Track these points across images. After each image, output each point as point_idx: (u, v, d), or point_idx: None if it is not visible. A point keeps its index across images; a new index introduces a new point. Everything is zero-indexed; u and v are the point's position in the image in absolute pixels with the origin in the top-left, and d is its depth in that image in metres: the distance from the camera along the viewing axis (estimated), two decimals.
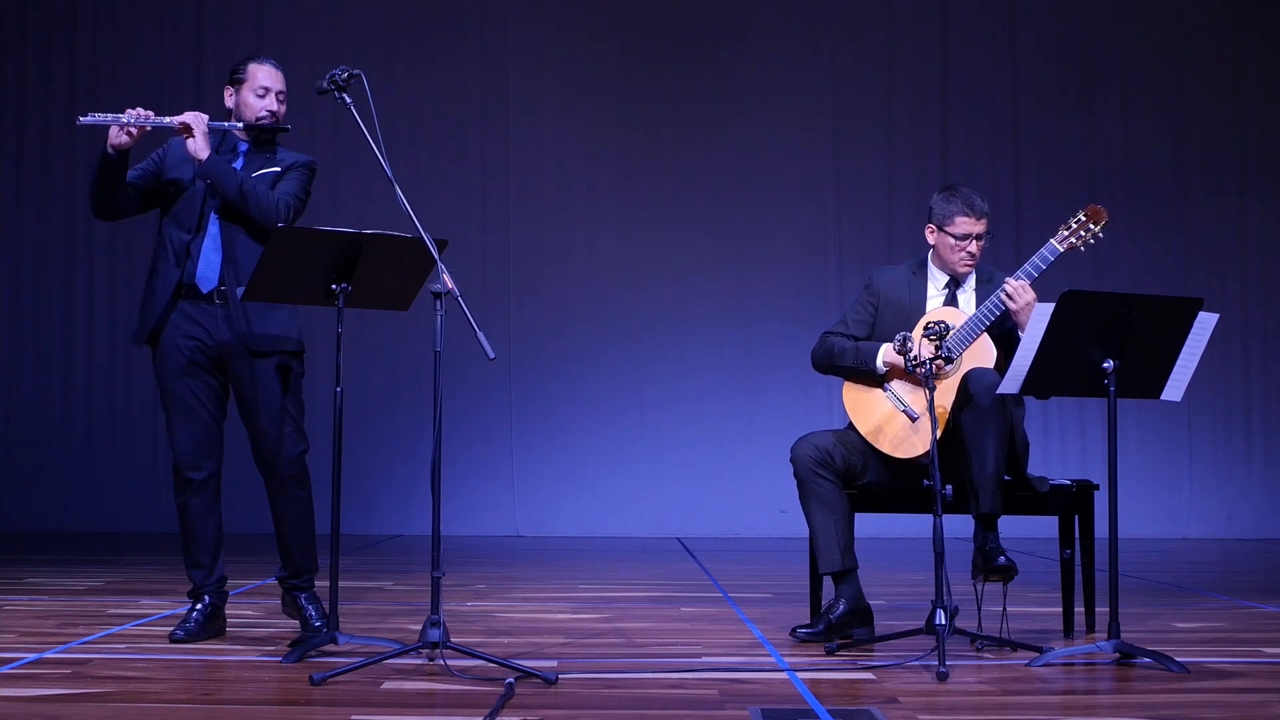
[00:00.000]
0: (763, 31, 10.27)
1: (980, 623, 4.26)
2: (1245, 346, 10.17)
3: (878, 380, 4.41)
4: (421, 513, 9.45)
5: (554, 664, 3.80)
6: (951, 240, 4.42)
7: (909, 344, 4.01)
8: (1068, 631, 4.49)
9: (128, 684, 3.52)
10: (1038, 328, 3.85)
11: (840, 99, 10.28)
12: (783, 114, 10.21)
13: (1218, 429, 10.14)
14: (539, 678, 3.52)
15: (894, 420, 4.35)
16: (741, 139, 10.19)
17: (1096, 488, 4.49)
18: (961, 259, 4.43)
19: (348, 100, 3.96)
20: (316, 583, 4.36)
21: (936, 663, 3.62)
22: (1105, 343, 3.85)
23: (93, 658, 3.90)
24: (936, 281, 4.51)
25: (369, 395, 9.65)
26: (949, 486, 4.18)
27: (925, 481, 3.90)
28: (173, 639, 4.18)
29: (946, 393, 4.26)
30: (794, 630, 4.36)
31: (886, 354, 4.37)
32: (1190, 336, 3.92)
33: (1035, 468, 4.50)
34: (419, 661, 3.77)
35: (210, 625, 4.28)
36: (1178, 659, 3.77)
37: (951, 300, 4.48)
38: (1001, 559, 4.11)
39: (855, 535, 4.38)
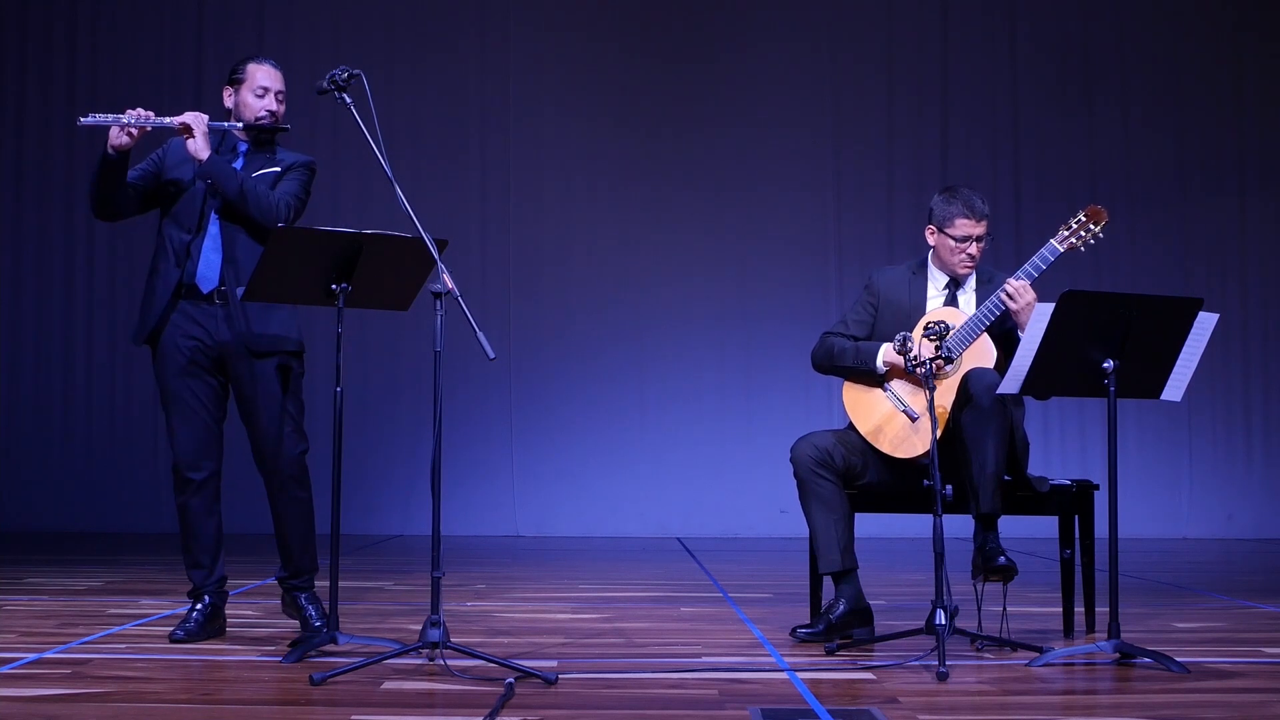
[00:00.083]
0: (763, 31, 10.27)
1: (980, 623, 4.26)
2: (1245, 346, 10.17)
3: (878, 380, 4.41)
4: (421, 513, 9.45)
5: (554, 664, 3.80)
6: (952, 242, 4.42)
7: (909, 344, 4.01)
8: (1068, 631, 4.49)
9: (128, 684, 3.52)
10: (1038, 328, 3.85)
11: (840, 99, 10.29)
12: (783, 114, 10.21)
13: (1218, 429, 10.14)
14: (539, 678, 3.52)
15: (894, 420, 4.35)
16: (741, 139, 10.19)
17: (1096, 488, 4.49)
18: (961, 261, 4.43)
19: (348, 100, 3.96)
20: (316, 583, 4.36)
21: (936, 663, 3.62)
22: (1105, 343, 3.84)
23: (93, 658, 3.90)
24: (937, 282, 4.51)
25: (369, 395, 9.65)
26: (949, 486, 4.18)
27: (925, 481, 3.90)
28: (173, 639, 4.18)
29: (946, 393, 4.26)
30: (794, 630, 4.36)
31: (886, 354, 4.37)
32: (1190, 336, 3.92)
33: (1035, 468, 4.50)
34: (419, 661, 3.77)
35: (210, 625, 4.28)
36: (1178, 659, 3.77)
37: (951, 300, 4.48)
38: (1001, 559, 4.11)
39: (855, 535, 4.38)
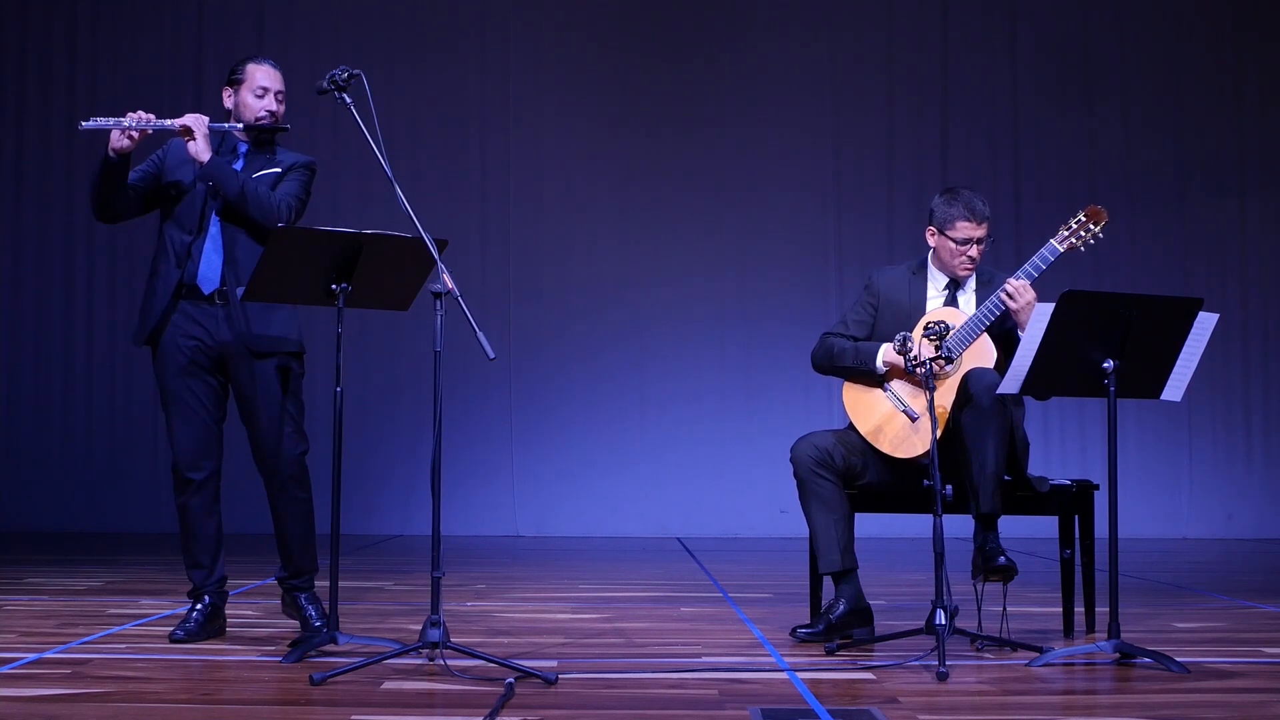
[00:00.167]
0: (763, 31, 10.27)
1: (980, 623, 4.26)
2: (1245, 346, 10.17)
3: (878, 380, 4.41)
4: (421, 513, 9.45)
5: (554, 664, 3.80)
6: (952, 245, 4.41)
7: (909, 344, 4.01)
8: (1068, 631, 4.49)
9: (128, 684, 3.52)
10: (1038, 328, 3.85)
11: (840, 99, 10.29)
12: (783, 114, 10.21)
13: (1218, 429, 10.14)
14: (539, 678, 3.52)
15: (894, 420, 4.35)
16: (741, 139, 10.19)
17: (1096, 488, 4.49)
18: (962, 263, 4.43)
19: (348, 100, 3.96)
20: (316, 583, 4.36)
21: (936, 663, 3.62)
22: (1105, 343, 3.84)
23: (93, 658, 3.90)
24: (937, 282, 4.50)
25: (369, 395, 9.65)
26: (949, 486, 4.18)
27: (925, 481, 3.90)
28: (173, 639, 4.18)
29: (946, 393, 4.26)
30: (794, 630, 4.36)
31: (886, 354, 4.37)
32: (1190, 336, 3.92)
33: (1035, 468, 4.50)
34: (419, 661, 3.77)
35: (210, 625, 4.28)
36: (1178, 659, 3.77)
37: (951, 301, 4.48)
38: (1001, 559, 4.11)
39: (855, 535, 4.38)
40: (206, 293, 4.20)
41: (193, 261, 4.21)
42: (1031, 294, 4.25)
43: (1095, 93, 10.30)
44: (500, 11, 10.26)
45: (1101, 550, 4.22)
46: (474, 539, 9.28)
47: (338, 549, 3.86)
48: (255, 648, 4.13)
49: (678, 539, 9.46)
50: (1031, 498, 4.40)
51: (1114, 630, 3.81)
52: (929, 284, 4.51)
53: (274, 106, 4.28)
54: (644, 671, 3.77)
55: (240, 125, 4.26)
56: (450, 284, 3.73)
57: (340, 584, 3.90)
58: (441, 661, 3.65)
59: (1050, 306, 3.82)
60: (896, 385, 4.39)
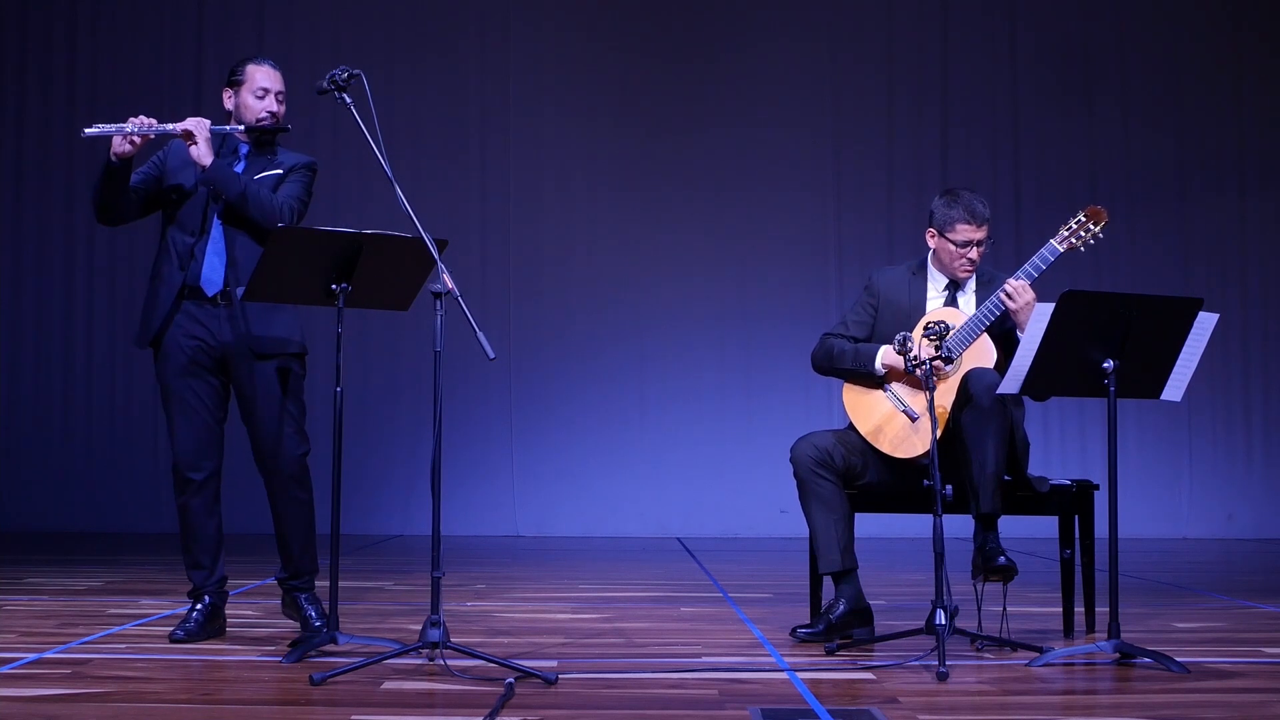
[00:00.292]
0: (763, 31, 10.27)
1: (980, 623, 4.26)
2: (1245, 346, 10.18)
3: (878, 381, 4.41)
4: (421, 513, 9.45)
5: (554, 664, 3.80)
6: (952, 247, 4.41)
7: (909, 344, 4.01)
8: (1068, 631, 4.49)
9: (128, 684, 3.52)
10: (1038, 328, 3.85)
11: (840, 99, 10.29)
12: (783, 114, 10.21)
13: (1218, 429, 10.14)
14: (539, 678, 3.52)
15: (894, 420, 4.35)
16: (741, 139, 10.19)
17: (1096, 488, 4.49)
18: (962, 265, 4.43)
19: (348, 100, 3.96)
20: (316, 583, 4.36)
21: (936, 663, 3.62)
22: (1105, 343, 3.84)
23: (93, 658, 3.90)
24: (936, 283, 4.50)
25: (369, 395, 9.66)
26: (949, 486, 4.18)
27: (925, 481, 3.90)
28: (173, 639, 4.18)
29: (946, 393, 4.26)
30: (794, 630, 4.36)
31: (886, 355, 4.37)
32: (1190, 336, 3.92)
33: (1035, 468, 4.50)
34: (419, 661, 3.77)
35: (210, 625, 4.28)
36: (1178, 659, 3.77)
37: (951, 301, 4.48)
38: (1001, 559, 4.11)
39: (855, 535, 4.38)
40: (209, 294, 4.20)
41: (195, 263, 4.21)
42: (1031, 294, 4.25)
43: (1095, 93, 10.30)
44: (500, 11, 10.26)
45: (1101, 550, 4.22)
46: (474, 539, 9.28)
47: (338, 549, 3.86)
48: (255, 648, 4.13)
49: (678, 539, 9.46)
50: (1031, 498, 4.40)
51: (1114, 630, 3.82)
52: (929, 284, 4.51)
53: (275, 107, 4.28)
54: (644, 671, 3.77)
55: (241, 127, 4.26)
56: (450, 284, 3.73)
57: (340, 584, 3.90)
58: (441, 661, 3.65)
59: (1050, 306, 3.82)
60: (896, 385, 4.39)
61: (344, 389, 3.96)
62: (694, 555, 8.07)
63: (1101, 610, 4.26)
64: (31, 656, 3.90)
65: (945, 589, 3.73)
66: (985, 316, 4.31)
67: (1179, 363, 3.94)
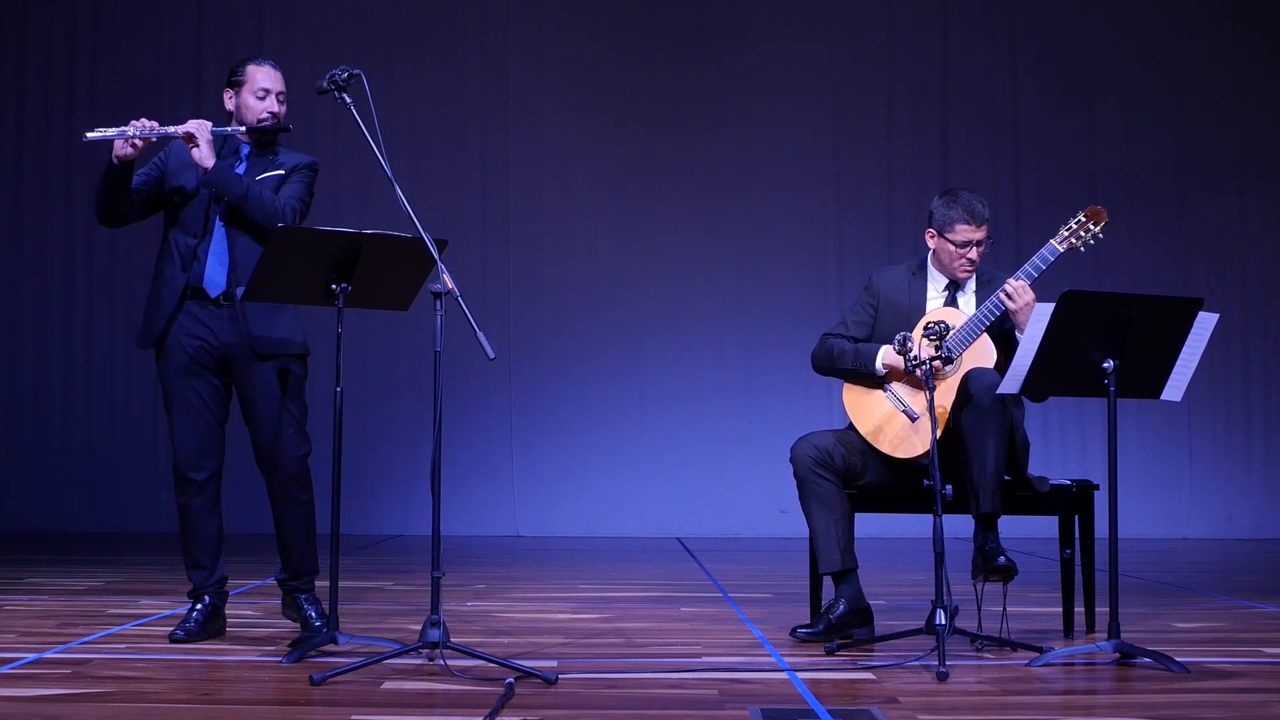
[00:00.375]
0: (763, 31, 10.27)
1: (980, 623, 4.26)
2: (1245, 346, 10.18)
3: (878, 381, 4.41)
4: (421, 513, 9.45)
5: (554, 664, 3.80)
6: (952, 247, 4.41)
7: (909, 344, 4.01)
8: (1068, 631, 4.49)
9: (128, 684, 3.52)
10: (1038, 328, 3.85)
11: (840, 99, 10.29)
12: (783, 114, 10.21)
13: (1218, 429, 10.14)
14: (539, 678, 3.52)
15: (894, 420, 4.35)
16: (741, 139, 10.19)
17: (1096, 488, 4.49)
18: (961, 265, 4.43)
19: (348, 100, 3.96)
20: (316, 583, 4.36)
21: (936, 663, 3.62)
22: (1105, 343, 3.84)
23: (93, 658, 3.90)
24: (936, 283, 4.50)
25: (369, 395, 9.65)
26: (949, 486, 4.18)
27: (925, 481, 3.90)
28: (173, 639, 4.18)
29: (946, 393, 4.26)
30: (794, 630, 4.36)
31: (886, 356, 4.37)
32: (1190, 336, 3.92)
33: (1035, 468, 4.50)
34: (419, 661, 3.77)
35: (210, 625, 4.28)
36: (1178, 659, 3.77)
37: (951, 301, 4.48)
38: (1001, 559, 4.11)
39: (855, 535, 4.38)
40: (213, 296, 4.20)
41: (199, 263, 4.21)
42: (1030, 295, 4.25)
43: (1095, 93, 10.30)
44: (500, 11, 10.26)
45: (1101, 550, 4.22)
46: (474, 539, 9.28)
47: (338, 549, 3.86)
48: (255, 648, 4.14)
49: (678, 539, 9.46)
50: (1031, 498, 4.40)
51: (1114, 630, 3.82)
52: (929, 284, 4.51)
53: (276, 108, 4.28)
54: (644, 671, 3.77)
55: (243, 129, 4.26)
56: (450, 284, 3.73)
57: (340, 584, 3.90)
58: (441, 661, 3.65)
59: (1050, 306, 3.82)
60: (896, 385, 4.39)
61: (344, 389, 3.96)
62: (694, 555, 8.07)
63: (1101, 610, 4.26)
64: (31, 656, 3.90)
65: (945, 589, 3.73)
66: (985, 316, 4.31)
67: (1179, 363, 3.94)
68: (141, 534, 9.18)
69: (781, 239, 10.15)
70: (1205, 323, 3.92)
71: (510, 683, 3.39)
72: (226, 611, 4.40)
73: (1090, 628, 4.47)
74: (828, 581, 4.42)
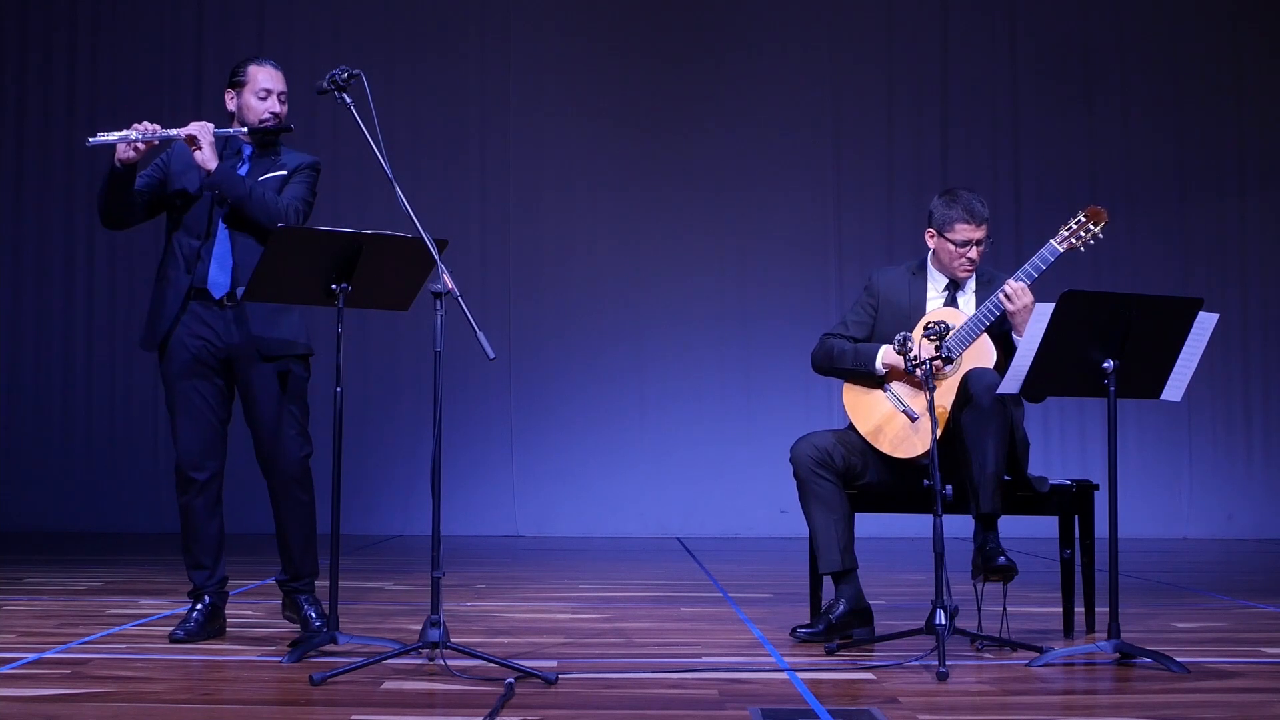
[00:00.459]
0: (763, 31, 10.27)
1: (980, 623, 4.26)
2: (1245, 346, 10.18)
3: (878, 381, 4.41)
4: (421, 513, 9.44)
5: (554, 664, 3.80)
6: (952, 247, 4.41)
7: (909, 344, 4.01)
8: (1068, 631, 4.49)
9: (128, 684, 3.52)
10: (1038, 328, 3.85)
11: (840, 99, 10.29)
12: (783, 114, 10.21)
13: (1218, 429, 10.14)
14: (539, 678, 3.52)
15: (894, 420, 4.35)
16: (741, 139, 10.19)
17: (1096, 488, 4.49)
18: (961, 265, 4.43)
19: (348, 100, 3.96)
20: (316, 583, 4.36)
21: (936, 663, 3.62)
22: (1105, 343, 3.84)
23: (93, 658, 3.90)
24: (936, 283, 4.50)
25: (369, 395, 9.65)
26: (949, 486, 4.18)
27: (925, 481, 3.90)
28: (173, 639, 4.18)
29: (946, 393, 4.26)
30: (794, 630, 4.36)
31: (886, 356, 4.37)
32: (1190, 336, 3.92)
33: (1035, 468, 4.50)
34: (419, 661, 3.77)
35: (210, 625, 4.28)
36: (1178, 659, 3.77)
37: (951, 301, 4.48)
38: (1001, 559, 4.11)
39: (855, 535, 4.38)
40: (216, 297, 4.21)
41: (202, 264, 4.21)
42: (1029, 297, 4.24)
43: (1095, 93, 10.30)
44: (500, 12, 10.26)
45: (1101, 550, 4.22)
46: (474, 539, 9.28)
47: (338, 549, 3.86)
48: (255, 648, 4.14)
49: (678, 539, 9.46)
50: (1031, 498, 4.40)
51: (1114, 630, 3.82)
52: (929, 284, 4.51)
53: (277, 108, 4.28)
54: (644, 671, 3.77)
55: (245, 130, 4.26)
56: (450, 284, 3.73)
57: (340, 584, 3.90)
58: (441, 661, 3.65)
59: (1050, 306, 3.82)
60: (896, 385, 4.39)
61: (344, 389, 3.96)
62: (694, 555, 8.07)
63: (1101, 610, 4.26)
64: (31, 656, 3.90)
65: (945, 589, 3.74)
66: (985, 316, 4.31)
67: (1179, 363, 3.94)
68: (141, 534, 9.18)
69: (781, 239, 10.15)
70: (1205, 323, 3.92)
71: (510, 683, 3.39)
72: (226, 612, 4.40)
73: (1090, 628, 4.47)
74: (828, 581, 4.42)
